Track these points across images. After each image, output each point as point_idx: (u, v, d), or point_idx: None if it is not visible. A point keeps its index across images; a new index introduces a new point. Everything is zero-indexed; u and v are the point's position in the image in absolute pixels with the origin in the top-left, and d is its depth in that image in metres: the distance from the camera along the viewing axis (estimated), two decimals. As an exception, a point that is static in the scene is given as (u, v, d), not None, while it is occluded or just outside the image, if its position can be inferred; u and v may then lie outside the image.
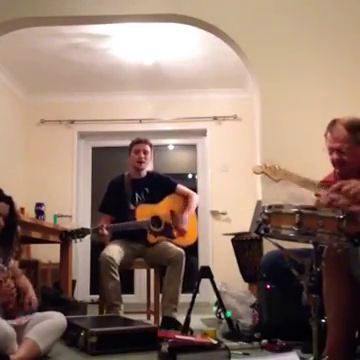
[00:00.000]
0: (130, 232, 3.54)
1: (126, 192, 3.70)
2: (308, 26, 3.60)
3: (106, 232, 3.43)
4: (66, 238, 3.36)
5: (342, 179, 2.31)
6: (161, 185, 3.76)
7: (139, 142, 3.73)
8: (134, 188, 3.71)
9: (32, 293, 2.33)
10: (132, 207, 3.64)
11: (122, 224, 3.52)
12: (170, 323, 3.29)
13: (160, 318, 3.44)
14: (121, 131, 5.85)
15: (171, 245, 3.54)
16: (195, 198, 3.85)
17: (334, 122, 2.30)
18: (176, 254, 3.43)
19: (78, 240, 3.38)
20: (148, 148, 3.73)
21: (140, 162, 3.70)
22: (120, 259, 3.40)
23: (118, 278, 3.34)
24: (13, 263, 2.40)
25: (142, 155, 3.69)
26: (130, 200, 3.67)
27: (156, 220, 3.62)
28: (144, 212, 3.60)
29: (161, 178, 3.85)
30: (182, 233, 3.65)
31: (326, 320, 1.81)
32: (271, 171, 2.65)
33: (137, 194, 3.69)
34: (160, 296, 3.53)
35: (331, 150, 2.31)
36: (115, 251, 3.42)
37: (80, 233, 3.35)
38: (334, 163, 2.33)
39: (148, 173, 3.83)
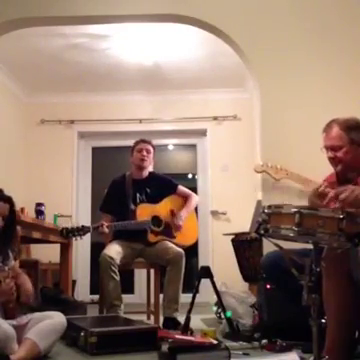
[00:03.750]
0: (130, 232, 3.54)
1: (127, 192, 3.71)
2: (308, 26, 3.59)
3: (106, 230, 3.44)
4: (67, 235, 3.35)
5: (341, 178, 2.33)
6: (162, 186, 3.78)
7: (142, 142, 3.79)
8: (135, 188, 3.72)
9: (29, 286, 2.33)
10: (133, 207, 3.65)
11: (122, 223, 3.53)
12: (171, 323, 3.30)
13: (161, 318, 3.45)
14: (121, 131, 5.85)
15: (171, 245, 3.55)
16: (195, 198, 3.89)
17: (330, 122, 2.36)
18: (175, 254, 3.44)
19: (78, 238, 3.38)
20: (150, 148, 3.78)
21: (143, 160, 3.72)
22: (120, 259, 3.41)
23: (118, 278, 3.35)
24: (13, 263, 2.40)
25: (145, 153, 3.73)
26: (131, 200, 3.68)
27: (156, 220, 3.64)
28: (144, 212, 3.61)
29: (162, 179, 3.88)
30: (178, 229, 3.66)
31: (326, 320, 1.81)
32: (272, 170, 2.66)
33: (138, 194, 3.70)
34: (161, 296, 3.54)
35: (326, 148, 2.37)
36: (115, 251, 3.43)
37: (80, 231, 3.36)
38: (330, 162, 2.37)
39: (150, 173, 3.86)
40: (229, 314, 2.97)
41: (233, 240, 4.12)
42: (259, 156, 3.58)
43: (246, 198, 4.93)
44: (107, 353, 2.42)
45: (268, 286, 2.85)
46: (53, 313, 2.35)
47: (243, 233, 4.02)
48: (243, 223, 4.19)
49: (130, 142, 3.90)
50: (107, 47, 4.85)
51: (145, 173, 3.81)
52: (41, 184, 5.65)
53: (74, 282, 4.82)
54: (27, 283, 2.33)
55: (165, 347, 2.21)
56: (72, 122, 5.90)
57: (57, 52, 4.93)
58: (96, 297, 4.29)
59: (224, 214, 5.62)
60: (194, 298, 2.99)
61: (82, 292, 5.49)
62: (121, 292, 3.39)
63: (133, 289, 5.63)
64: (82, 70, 5.33)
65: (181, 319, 3.18)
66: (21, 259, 3.11)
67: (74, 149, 5.93)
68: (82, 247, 5.61)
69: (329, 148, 2.35)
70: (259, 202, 3.54)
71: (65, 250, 4.10)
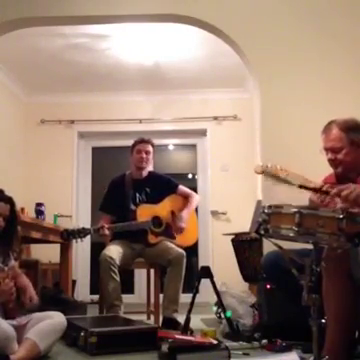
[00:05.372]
0: (131, 232, 3.54)
1: (127, 192, 3.69)
2: (308, 26, 3.59)
3: (107, 232, 3.43)
4: (67, 238, 3.35)
5: (341, 179, 2.32)
6: (162, 185, 3.76)
7: (141, 142, 3.74)
8: (135, 188, 3.71)
9: (32, 290, 2.34)
10: (133, 207, 3.64)
11: (123, 224, 3.52)
12: (170, 324, 3.30)
13: (160, 318, 3.45)
14: (121, 131, 5.85)
15: (172, 246, 3.54)
16: (195, 198, 3.86)
17: (329, 123, 2.34)
18: (176, 255, 3.43)
19: (79, 240, 3.38)
20: (150, 148, 3.73)
21: (142, 162, 3.70)
22: (120, 259, 3.40)
23: (118, 278, 3.35)
24: (13, 263, 2.40)
25: (144, 155, 3.70)
26: (131, 200, 3.66)
27: (157, 220, 3.63)
28: (145, 212, 3.60)
29: (162, 178, 3.85)
30: (180, 231, 3.64)
31: (326, 320, 1.81)
32: (272, 171, 2.65)
33: (138, 194, 3.69)
34: (160, 296, 3.53)
35: (326, 150, 2.35)
36: (115, 251, 3.42)
37: (81, 233, 3.35)
38: (330, 163, 2.35)
39: (149, 173, 3.83)
40: (229, 314, 2.97)
41: (233, 240, 4.12)
42: (259, 156, 3.58)
43: (246, 198, 4.92)
44: (107, 353, 2.42)
45: (268, 286, 2.85)
46: (53, 313, 2.35)
47: (243, 233, 4.02)
48: (243, 223, 4.19)
49: (130, 142, 3.88)
50: (107, 47, 4.85)
51: (145, 173, 3.78)
52: (41, 184, 5.65)
53: (74, 282, 4.81)
54: (29, 287, 2.33)
55: (165, 347, 2.21)
56: (72, 122, 5.90)
57: (57, 52, 4.93)
58: (96, 297, 4.29)
59: (224, 214, 5.62)
60: (194, 298, 2.99)
61: (82, 292, 5.49)
62: (121, 292, 3.39)
63: (133, 289, 5.63)
64: (82, 70, 5.33)
65: (181, 319, 3.18)
66: (21, 259, 3.11)
67: (74, 149, 5.93)
68: (82, 247, 5.60)
69: (329, 150, 2.33)
70: (259, 202, 3.54)
71: (65, 250, 4.09)
